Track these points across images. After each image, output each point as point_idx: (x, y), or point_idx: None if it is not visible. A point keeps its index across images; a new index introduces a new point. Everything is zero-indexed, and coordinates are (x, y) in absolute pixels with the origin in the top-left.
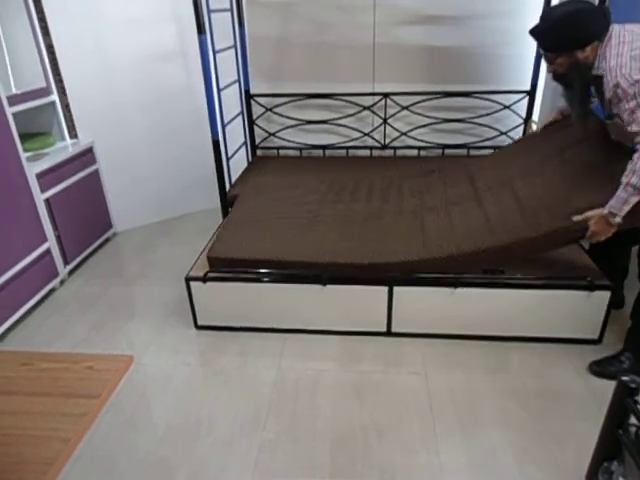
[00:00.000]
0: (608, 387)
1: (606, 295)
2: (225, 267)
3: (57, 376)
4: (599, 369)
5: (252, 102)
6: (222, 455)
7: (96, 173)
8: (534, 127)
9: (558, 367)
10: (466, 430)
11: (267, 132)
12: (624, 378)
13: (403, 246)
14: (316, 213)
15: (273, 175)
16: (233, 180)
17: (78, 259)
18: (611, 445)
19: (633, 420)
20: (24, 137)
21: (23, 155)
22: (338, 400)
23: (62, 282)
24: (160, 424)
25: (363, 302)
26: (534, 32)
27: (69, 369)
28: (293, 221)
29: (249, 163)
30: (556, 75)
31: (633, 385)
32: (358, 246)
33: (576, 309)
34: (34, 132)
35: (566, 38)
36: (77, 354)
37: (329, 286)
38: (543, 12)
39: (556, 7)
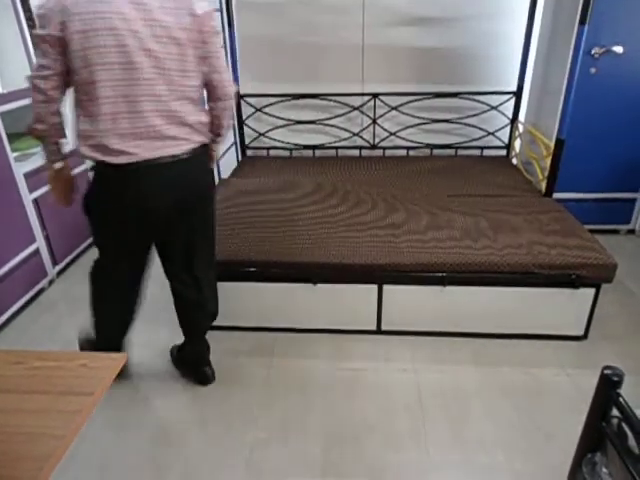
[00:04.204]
0: (593, 382)
1: (591, 292)
2: None
3: (51, 374)
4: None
5: (242, 102)
6: (214, 454)
7: (85, 173)
8: (520, 128)
9: (545, 363)
10: (455, 426)
11: (257, 132)
12: (607, 372)
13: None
14: (289, 217)
15: (258, 176)
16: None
17: (67, 259)
18: (595, 437)
19: (615, 412)
20: (12, 137)
21: (11, 155)
22: (329, 398)
23: (51, 282)
24: (151, 423)
25: (353, 301)
26: None
27: (63, 367)
28: (265, 222)
29: (238, 163)
30: None
31: (615, 378)
32: (319, 247)
33: (562, 306)
34: (22, 132)
35: None
36: (71, 352)
37: (319, 285)
38: None
39: None
